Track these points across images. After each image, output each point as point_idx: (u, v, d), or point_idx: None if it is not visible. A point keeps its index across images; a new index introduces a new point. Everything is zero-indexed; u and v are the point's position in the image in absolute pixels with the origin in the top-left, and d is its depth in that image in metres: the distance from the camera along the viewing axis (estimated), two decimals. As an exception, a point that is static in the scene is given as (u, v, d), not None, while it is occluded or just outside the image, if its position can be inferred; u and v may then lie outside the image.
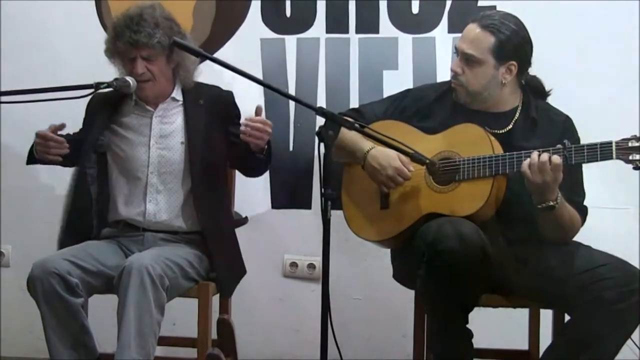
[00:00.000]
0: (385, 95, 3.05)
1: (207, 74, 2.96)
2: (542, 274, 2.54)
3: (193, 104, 2.88)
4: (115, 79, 2.73)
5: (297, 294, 3.49)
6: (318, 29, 3.47)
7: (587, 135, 2.63)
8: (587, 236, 2.64)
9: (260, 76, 3.41)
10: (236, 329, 3.02)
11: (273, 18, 3.50)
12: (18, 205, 3.58)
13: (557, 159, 2.42)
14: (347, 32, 3.46)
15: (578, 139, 2.64)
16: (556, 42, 3.25)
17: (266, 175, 3.29)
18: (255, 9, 3.50)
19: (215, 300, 2.90)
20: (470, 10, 3.25)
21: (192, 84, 2.90)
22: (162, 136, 2.85)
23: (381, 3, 3.44)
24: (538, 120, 2.67)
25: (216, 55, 3.16)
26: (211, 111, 2.87)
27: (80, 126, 2.99)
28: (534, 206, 2.50)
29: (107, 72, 2.81)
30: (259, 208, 3.45)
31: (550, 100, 2.78)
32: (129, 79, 2.74)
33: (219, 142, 2.86)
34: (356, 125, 2.41)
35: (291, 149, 3.48)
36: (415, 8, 3.43)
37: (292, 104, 3.46)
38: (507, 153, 2.54)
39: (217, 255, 2.82)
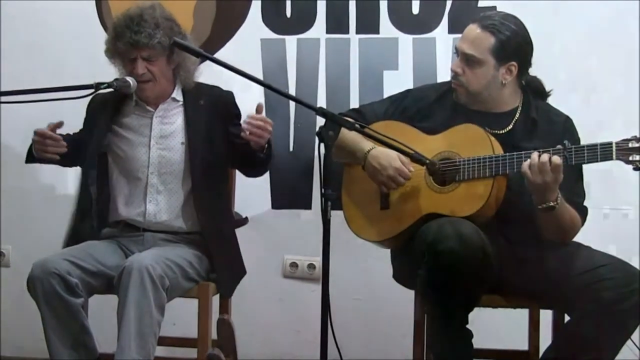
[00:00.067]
0: (385, 96, 3.05)
1: (208, 74, 2.96)
2: (542, 275, 2.54)
3: (193, 104, 2.88)
4: (116, 79, 2.73)
5: (297, 294, 3.49)
6: (318, 29, 3.47)
7: (588, 136, 2.63)
8: (587, 237, 2.64)
9: (260, 76, 3.41)
10: (236, 329, 3.01)
11: (273, 18, 3.50)
12: (18, 205, 3.58)
13: (557, 159, 2.42)
14: (347, 32, 3.46)
15: (578, 140, 2.64)
16: (556, 43, 3.25)
17: (266, 176, 3.29)
18: (255, 9, 3.51)
19: (215, 300, 2.90)
20: (471, 11, 3.27)
21: (193, 84, 2.90)
22: (162, 136, 2.85)
23: (381, 3, 3.44)
24: (538, 121, 2.67)
25: (216, 55, 3.17)
26: (211, 111, 2.87)
27: (80, 126, 2.99)
28: (534, 206, 2.50)
29: (108, 72, 2.81)
30: (259, 208, 3.45)
31: (550, 100, 2.79)
32: (129, 79, 2.74)
33: (220, 143, 2.85)
34: (356, 125, 2.41)
35: (291, 149, 3.48)
36: (415, 8, 3.43)
37: (292, 104, 3.46)
38: (507, 153, 2.54)
39: (217, 256, 2.82)
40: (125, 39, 2.71)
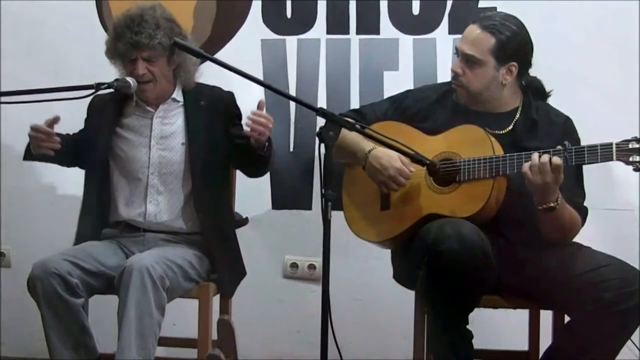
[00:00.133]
0: (385, 96, 3.05)
1: (208, 74, 2.96)
2: (542, 275, 2.54)
3: (194, 104, 2.88)
4: (116, 80, 2.73)
5: (297, 295, 3.49)
6: (318, 29, 3.47)
7: (588, 136, 2.63)
8: (587, 237, 2.64)
9: (260, 77, 3.41)
10: (236, 330, 3.02)
11: (274, 19, 3.50)
12: (18, 205, 3.57)
13: (557, 160, 2.42)
14: (347, 33, 3.46)
15: (578, 140, 2.65)
16: (556, 43, 3.25)
17: (267, 176, 3.29)
18: (255, 9, 3.50)
19: (216, 300, 2.90)
20: (471, 11, 3.26)
21: (193, 84, 2.90)
22: (162, 137, 2.85)
23: (382, 4, 3.44)
24: (538, 121, 2.68)
25: (217, 55, 3.16)
26: (212, 112, 2.87)
27: (80, 127, 2.99)
28: (534, 207, 2.50)
29: (108, 72, 2.81)
30: (259, 209, 3.45)
31: (550, 101, 2.79)
32: (129, 79, 2.74)
33: (220, 143, 2.85)
34: (357, 126, 2.41)
35: (292, 149, 3.48)
36: (415, 9, 3.43)
37: (292, 104, 3.46)
38: (508, 154, 2.54)
39: (218, 256, 2.82)
40: (126, 39, 2.71)
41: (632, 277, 2.42)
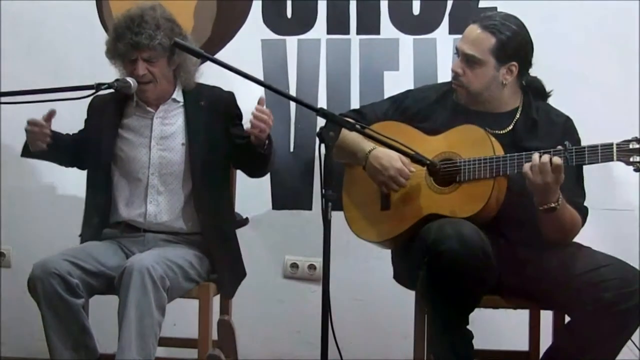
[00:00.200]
0: (386, 97, 3.05)
1: (208, 74, 2.96)
2: (542, 275, 2.54)
3: (194, 105, 2.88)
4: (116, 80, 2.73)
5: (297, 295, 3.49)
6: (319, 30, 3.47)
7: (588, 136, 2.63)
8: (587, 237, 2.64)
9: (261, 77, 3.40)
10: (237, 330, 3.02)
11: (274, 19, 3.50)
12: (18, 205, 3.57)
13: (557, 160, 2.42)
14: (347, 33, 3.46)
15: (579, 140, 2.65)
16: (556, 43, 3.25)
17: (267, 176, 3.28)
18: (256, 9, 3.50)
19: (216, 301, 2.90)
20: (471, 11, 3.26)
21: (193, 85, 2.90)
22: (162, 137, 2.85)
23: (382, 4, 3.44)
24: (538, 121, 2.68)
25: (217, 56, 3.15)
26: (212, 112, 2.87)
27: (80, 127, 2.99)
28: (534, 207, 2.50)
29: (108, 72, 2.81)
30: (259, 209, 3.45)
31: (550, 101, 2.79)
32: (129, 79, 2.74)
33: (220, 143, 2.85)
34: (357, 126, 2.41)
35: (292, 149, 3.48)
36: (416, 9, 3.43)
37: (292, 104, 3.46)
38: (508, 154, 2.54)
39: (218, 256, 2.82)
40: (126, 40, 2.71)
41: (632, 277, 2.42)
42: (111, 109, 2.89)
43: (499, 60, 2.62)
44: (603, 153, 2.41)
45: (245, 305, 3.13)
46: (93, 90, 2.64)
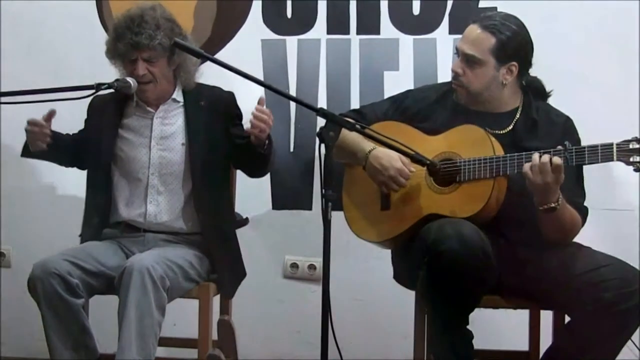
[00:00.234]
0: (386, 97, 3.05)
1: (208, 74, 2.96)
2: (542, 275, 2.54)
3: (194, 105, 2.88)
4: (116, 80, 2.73)
5: (297, 295, 3.49)
6: (319, 30, 3.47)
7: (588, 136, 2.63)
8: (587, 237, 2.64)
9: (261, 77, 3.40)
10: (237, 330, 3.02)
11: (274, 19, 3.50)
12: (18, 205, 3.57)
13: (557, 160, 2.42)
14: (348, 33, 3.46)
15: (579, 140, 2.65)
16: (556, 43, 3.25)
17: (267, 176, 3.28)
18: (256, 9, 3.50)
19: (216, 301, 2.90)
20: (471, 11, 3.26)
21: (193, 85, 2.90)
22: (162, 137, 2.85)
23: (382, 4, 3.44)
24: (539, 121, 2.68)
25: (217, 56, 3.15)
26: (212, 112, 2.87)
27: (80, 127, 2.99)
28: (534, 207, 2.50)
29: (108, 72, 2.81)
30: (259, 209, 3.45)
31: (550, 101, 2.79)
32: (129, 79, 2.74)
33: (220, 143, 2.85)
34: (357, 126, 2.41)
35: (292, 149, 3.48)
36: (416, 9, 3.43)
37: (292, 105, 3.46)
38: (508, 154, 2.54)
39: (218, 256, 2.82)
40: (126, 40, 2.71)
41: (632, 277, 2.42)
42: (111, 109, 2.89)
43: (499, 60, 2.62)
44: (603, 153, 2.41)
45: (245, 305, 3.13)
46: (93, 90, 2.64)
